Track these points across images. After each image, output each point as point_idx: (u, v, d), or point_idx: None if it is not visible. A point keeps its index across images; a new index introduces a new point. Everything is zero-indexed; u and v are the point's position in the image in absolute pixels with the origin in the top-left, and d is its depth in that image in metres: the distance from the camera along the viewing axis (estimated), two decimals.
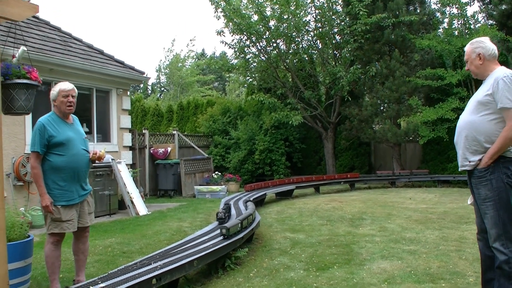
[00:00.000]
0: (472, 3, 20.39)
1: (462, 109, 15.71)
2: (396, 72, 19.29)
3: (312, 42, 22.46)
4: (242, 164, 21.22)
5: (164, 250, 6.64)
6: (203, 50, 77.20)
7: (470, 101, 4.86)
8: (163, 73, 52.68)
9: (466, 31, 19.50)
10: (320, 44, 22.61)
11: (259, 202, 14.02)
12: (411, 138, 20.51)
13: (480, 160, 4.61)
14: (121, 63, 16.13)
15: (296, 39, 21.70)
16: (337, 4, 21.50)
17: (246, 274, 6.49)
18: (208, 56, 70.60)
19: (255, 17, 20.79)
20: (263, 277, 6.30)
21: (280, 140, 21.67)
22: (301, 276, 6.25)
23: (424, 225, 9.82)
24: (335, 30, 21.69)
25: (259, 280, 6.13)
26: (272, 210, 12.85)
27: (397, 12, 19.76)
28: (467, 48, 4.88)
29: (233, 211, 9.88)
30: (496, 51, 4.83)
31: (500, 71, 4.61)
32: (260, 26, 20.54)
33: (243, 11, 20.45)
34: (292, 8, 19.84)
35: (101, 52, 15.87)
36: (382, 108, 21.10)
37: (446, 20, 21.86)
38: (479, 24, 20.71)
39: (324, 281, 5.99)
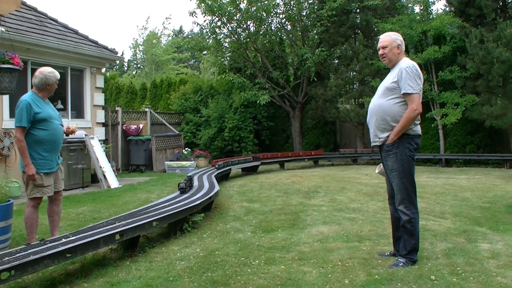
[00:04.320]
0: None
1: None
2: (360, 54, 20.18)
3: (281, 24, 23.20)
4: (212, 141, 22.01)
5: (128, 213, 7.51)
6: (180, 27, 77.54)
7: (379, 87, 5.82)
8: (139, 50, 52.84)
9: (428, 16, 20.36)
10: (289, 26, 23.43)
11: (225, 177, 14.88)
12: None
13: (388, 136, 5.56)
14: (95, 42, 16.79)
15: (267, 20, 22.45)
16: None
17: (200, 235, 7.38)
18: (185, 34, 70.85)
19: None
20: (214, 237, 7.20)
21: (249, 119, 22.52)
22: (248, 237, 7.16)
23: (370, 197, 10.76)
24: (304, 13, 22.48)
25: (210, 240, 7.02)
26: (235, 184, 13.69)
27: None
28: (386, 38, 5.80)
29: (196, 183, 10.77)
30: (404, 48, 5.81)
31: (404, 62, 5.57)
32: (231, 8, 21.22)
33: None
34: None
35: (75, 32, 16.50)
36: (346, 89, 22.00)
37: (410, 5, 22.75)
38: (440, 10, 21.65)
39: (266, 240, 6.91)
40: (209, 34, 22.83)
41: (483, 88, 18.35)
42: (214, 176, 12.74)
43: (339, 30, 21.37)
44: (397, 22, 20.26)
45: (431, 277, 5.03)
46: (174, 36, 56.68)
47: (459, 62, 18.99)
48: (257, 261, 5.81)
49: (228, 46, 23.55)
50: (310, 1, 22.25)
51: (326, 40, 21.78)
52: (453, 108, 18.73)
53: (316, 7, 21.75)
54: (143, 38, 49.79)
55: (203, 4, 21.32)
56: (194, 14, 21.91)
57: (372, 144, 5.90)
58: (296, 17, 22.09)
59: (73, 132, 6.90)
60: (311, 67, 20.88)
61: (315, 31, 21.66)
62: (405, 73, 5.44)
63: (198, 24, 23.33)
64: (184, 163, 18.47)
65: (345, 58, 20.96)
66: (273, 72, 22.18)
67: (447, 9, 21.85)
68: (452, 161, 19.97)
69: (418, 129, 5.63)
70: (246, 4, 21.50)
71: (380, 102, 5.69)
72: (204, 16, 22.14)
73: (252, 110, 22.82)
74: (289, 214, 8.91)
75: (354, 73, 20.61)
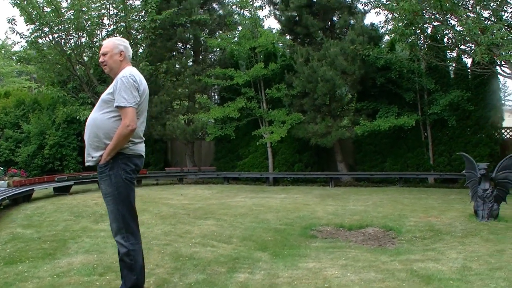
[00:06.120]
0: (264, 7, 21.07)
1: (249, 109, 16.35)
2: (187, 70, 19.61)
3: (109, 37, 22.06)
4: (32, 159, 20.60)
5: None
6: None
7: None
8: None
9: (257, 33, 20.12)
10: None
11: (27, 197, 13.70)
12: (200, 135, 20.96)
13: (102, 156, 4.76)
14: None
15: (95, 32, 21.23)
16: None
17: None
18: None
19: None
20: None
21: (72, 135, 21.28)
22: None
23: (163, 220, 10.03)
24: (136, 25, 21.50)
25: None
26: (33, 206, 12.44)
27: (191, 11, 20.07)
28: (108, 43, 5.02)
29: None
30: (131, 56, 5.14)
31: (124, 72, 4.80)
32: (53, 17, 19.78)
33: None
34: (84, 2, 19.47)
35: None
36: (174, 105, 21.33)
37: (245, 22, 22.50)
38: (267, 27, 21.61)
39: None
40: (30, 44, 21.15)
41: (309, 107, 18.41)
42: (8, 197, 11.68)
43: (166, 44, 20.63)
44: (226, 39, 19.98)
45: None
46: (26, 48, 53.60)
47: (286, 80, 18.93)
48: None
49: (52, 58, 21.92)
50: (141, 14, 21.29)
51: (153, 54, 20.92)
52: (279, 126, 18.58)
53: (146, 19, 20.89)
54: None
55: (26, 11, 19.70)
56: (13, 21, 20.13)
57: (86, 163, 5.03)
58: (124, 30, 21.06)
59: None
60: None
61: (144, 45, 20.82)
62: (120, 83, 4.69)
63: (18, 33, 21.16)
64: None
65: (172, 73, 20.30)
66: (98, 86, 20.96)
67: (278, 27, 21.89)
68: (281, 179, 19.84)
69: (138, 148, 4.90)
70: (72, 14, 20.14)
71: (94, 116, 4.86)
72: (27, 25, 20.55)
73: (76, 126, 21.50)
74: (57, 241, 7.96)
75: (183, 89, 19.92)
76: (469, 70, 18.49)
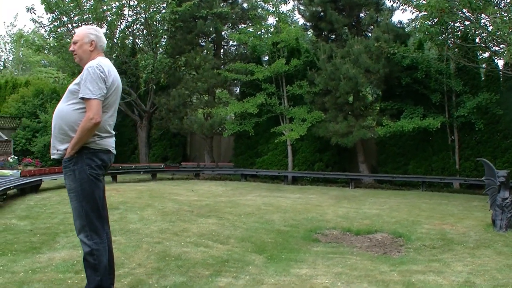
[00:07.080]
0: (288, 2, 20.44)
1: (269, 105, 15.78)
2: (206, 64, 19.23)
3: (131, 29, 21.72)
4: (48, 149, 20.44)
5: None
6: None
7: None
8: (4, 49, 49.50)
9: (280, 28, 19.65)
10: (144, 31, 22.08)
11: (35, 188, 13.49)
12: (218, 130, 20.55)
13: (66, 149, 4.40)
14: None
15: (116, 23, 20.87)
16: None
17: None
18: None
19: None
20: None
21: None
22: None
23: (165, 216, 9.65)
24: (157, 17, 21.15)
25: None
26: (39, 197, 12.26)
27: (213, 4, 19.70)
28: (79, 32, 4.64)
29: None
30: (104, 46, 4.75)
31: (92, 62, 4.42)
32: (72, 6, 19.60)
33: None
34: None
35: None
36: (193, 99, 20.98)
37: (269, 16, 22.04)
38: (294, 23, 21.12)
39: None
40: (49, 33, 20.98)
41: (331, 105, 17.86)
42: (14, 186, 11.81)
43: (186, 37, 20.24)
44: (248, 32, 19.56)
45: None
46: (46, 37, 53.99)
47: (308, 77, 18.43)
48: None
49: None
50: (163, 5, 20.91)
51: (173, 47, 20.56)
52: (300, 124, 18.09)
53: (166, 10, 20.54)
54: (10, 36, 46.95)
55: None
56: (32, 10, 19.97)
57: (52, 156, 4.65)
58: (144, 22, 20.72)
59: None
60: (150, 75, 19.65)
61: (165, 37, 20.49)
62: (87, 73, 4.30)
63: (36, 22, 20.90)
64: (5, 171, 16.71)
65: (192, 66, 19.92)
66: None
67: (302, 22, 21.43)
68: (300, 178, 19.33)
69: (105, 143, 4.53)
70: (91, 4, 19.91)
71: (61, 107, 4.51)
72: (47, 14, 20.37)
73: None
74: (47, 235, 7.66)
75: (202, 83, 19.51)
76: (500, 72, 17.76)
